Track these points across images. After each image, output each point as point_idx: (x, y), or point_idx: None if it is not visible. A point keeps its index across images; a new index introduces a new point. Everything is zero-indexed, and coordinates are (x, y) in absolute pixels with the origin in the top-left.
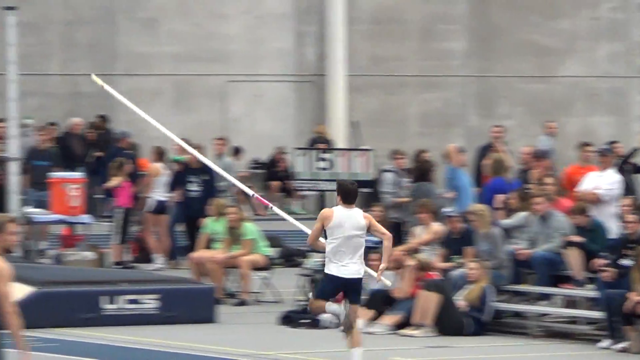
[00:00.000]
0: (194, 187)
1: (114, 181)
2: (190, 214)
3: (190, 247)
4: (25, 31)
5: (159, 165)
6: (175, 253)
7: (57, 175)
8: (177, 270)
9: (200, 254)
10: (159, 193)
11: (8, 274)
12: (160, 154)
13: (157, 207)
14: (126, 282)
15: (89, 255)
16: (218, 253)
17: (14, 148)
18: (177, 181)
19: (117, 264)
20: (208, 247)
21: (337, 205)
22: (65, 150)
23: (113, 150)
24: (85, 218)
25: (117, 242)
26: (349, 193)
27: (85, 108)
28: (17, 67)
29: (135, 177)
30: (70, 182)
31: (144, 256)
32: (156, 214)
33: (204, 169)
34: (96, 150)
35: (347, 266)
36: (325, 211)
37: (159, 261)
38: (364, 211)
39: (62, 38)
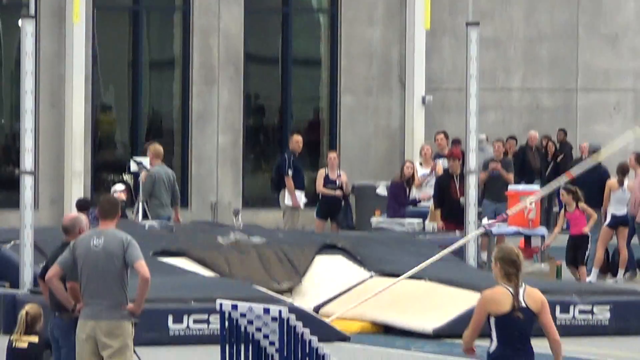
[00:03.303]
0: None
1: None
2: None
3: None
4: (487, 46)
5: (616, 181)
6: (633, 265)
7: (514, 188)
8: (634, 282)
9: None
10: (615, 207)
11: None
12: (620, 170)
13: (614, 221)
14: (577, 292)
15: (544, 267)
16: None
17: (472, 162)
18: None
19: None
20: None
21: None
22: (523, 163)
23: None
24: (541, 231)
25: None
26: None
27: (545, 122)
28: (477, 81)
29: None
30: (527, 194)
31: (608, 269)
32: (614, 227)
33: None
34: (553, 164)
35: None
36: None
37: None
38: None
39: (524, 53)
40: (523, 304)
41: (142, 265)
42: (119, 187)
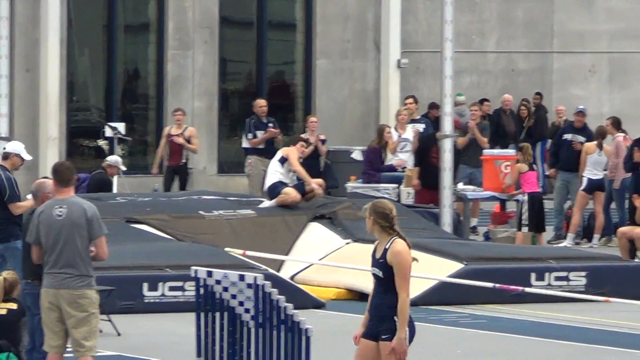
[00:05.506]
0: None
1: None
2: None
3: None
4: (462, 8)
5: (593, 144)
6: (610, 230)
7: (489, 153)
8: (609, 247)
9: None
10: (591, 172)
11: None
12: (599, 133)
13: (590, 186)
14: (554, 259)
15: (519, 233)
16: None
17: (447, 126)
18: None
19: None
20: None
21: None
22: (498, 127)
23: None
24: (517, 196)
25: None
26: None
27: (521, 85)
28: (453, 44)
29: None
30: (502, 159)
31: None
32: (590, 192)
33: None
34: (528, 128)
35: None
36: None
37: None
38: None
39: (499, 15)
40: None
41: (102, 244)
42: (113, 160)
